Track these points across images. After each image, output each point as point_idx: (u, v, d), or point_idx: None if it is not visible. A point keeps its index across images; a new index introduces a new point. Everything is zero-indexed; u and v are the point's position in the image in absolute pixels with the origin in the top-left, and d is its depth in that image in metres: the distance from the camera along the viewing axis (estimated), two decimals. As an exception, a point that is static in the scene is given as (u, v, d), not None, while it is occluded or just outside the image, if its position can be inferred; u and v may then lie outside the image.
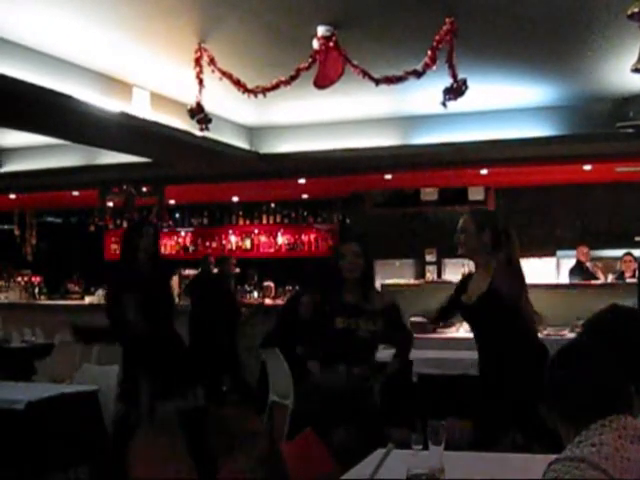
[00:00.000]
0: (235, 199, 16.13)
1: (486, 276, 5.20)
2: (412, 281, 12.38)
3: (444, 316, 6.04)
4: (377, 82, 7.09)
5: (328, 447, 4.07)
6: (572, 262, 12.00)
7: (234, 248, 16.85)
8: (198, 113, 7.69)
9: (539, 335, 5.85)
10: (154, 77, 8.49)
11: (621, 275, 11.38)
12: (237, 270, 13.19)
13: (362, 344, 5.41)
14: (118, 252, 17.43)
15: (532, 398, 4.67)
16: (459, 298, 5.47)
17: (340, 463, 3.95)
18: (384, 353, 6.06)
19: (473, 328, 5.41)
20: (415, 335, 9.76)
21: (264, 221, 16.71)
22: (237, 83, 7.38)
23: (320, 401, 5.39)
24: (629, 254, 11.57)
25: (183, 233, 17.54)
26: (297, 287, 12.78)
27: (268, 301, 13.62)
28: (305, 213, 16.35)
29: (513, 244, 5.21)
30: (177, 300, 13.21)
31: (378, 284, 12.36)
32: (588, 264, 11.81)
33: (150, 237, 7.04)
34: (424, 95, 8.54)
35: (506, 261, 5.15)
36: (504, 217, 13.08)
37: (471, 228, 5.27)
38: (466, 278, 5.60)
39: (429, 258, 13.50)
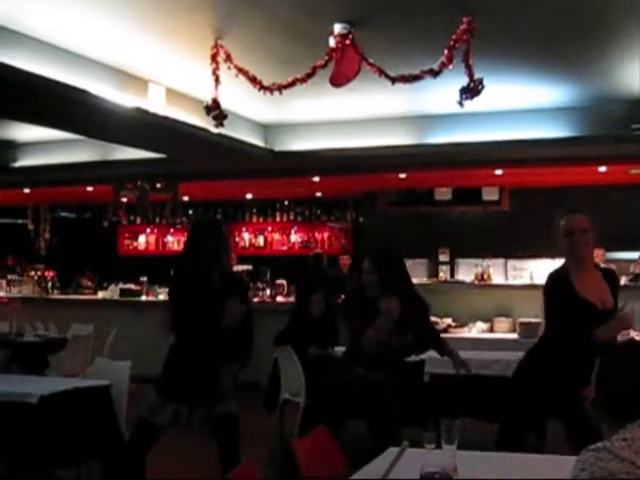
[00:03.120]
0: (249, 196, 16.13)
1: (598, 278, 5.13)
2: (425, 281, 12.35)
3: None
4: (393, 81, 7.08)
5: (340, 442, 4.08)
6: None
7: (247, 245, 16.87)
8: (214, 109, 7.69)
9: None
10: (170, 73, 8.50)
11: (635, 277, 11.33)
12: (240, 268, 13.27)
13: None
14: (132, 247, 17.67)
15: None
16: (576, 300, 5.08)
17: (352, 461, 3.96)
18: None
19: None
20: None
21: (277, 219, 16.72)
22: (253, 80, 7.38)
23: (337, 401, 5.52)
24: None
25: (196, 230, 17.54)
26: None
27: (280, 299, 13.62)
28: (319, 211, 16.34)
29: None
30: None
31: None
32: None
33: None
34: (440, 94, 8.53)
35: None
36: (517, 218, 13.19)
37: (591, 227, 5.14)
38: (564, 276, 5.15)
39: (442, 258, 13.44)
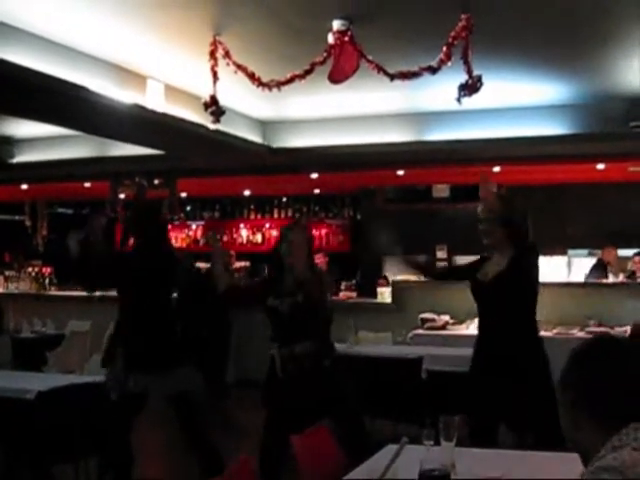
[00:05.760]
0: (247, 193, 16.14)
1: (504, 258, 5.32)
2: (422, 278, 12.33)
3: (449, 275, 6.32)
4: (392, 77, 7.07)
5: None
6: (583, 261, 11.92)
7: (245, 242, 16.87)
8: (212, 106, 7.68)
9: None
10: (168, 69, 8.49)
11: (632, 274, 11.34)
12: (238, 264, 13.30)
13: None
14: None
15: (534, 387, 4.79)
16: (472, 273, 5.66)
17: (350, 457, 3.96)
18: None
19: (483, 306, 5.50)
20: (425, 332, 9.84)
21: (275, 215, 16.72)
22: (252, 76, 7.37)
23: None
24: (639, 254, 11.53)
25: (194, 226, 17.54)
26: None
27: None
28: (316, 208, 16.35)
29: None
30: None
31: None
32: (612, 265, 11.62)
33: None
34: (438, 91, 8.52)
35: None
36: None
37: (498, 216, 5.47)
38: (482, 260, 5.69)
39: (440, 255, 13.46)
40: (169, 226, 7.10)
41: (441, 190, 13.99)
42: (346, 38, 6.75)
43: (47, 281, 14.83)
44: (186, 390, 5.88)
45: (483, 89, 6.88)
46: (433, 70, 6.84)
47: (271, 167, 12.19)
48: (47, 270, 15.24)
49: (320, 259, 13.01)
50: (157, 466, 7.17)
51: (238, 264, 13.75)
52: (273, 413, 5.56)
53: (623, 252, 12.34)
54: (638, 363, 2.20)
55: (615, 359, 2.20)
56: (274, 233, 16.65)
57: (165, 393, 5.85)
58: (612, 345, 2.27)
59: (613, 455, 2.00)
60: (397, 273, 12.44)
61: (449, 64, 6.69)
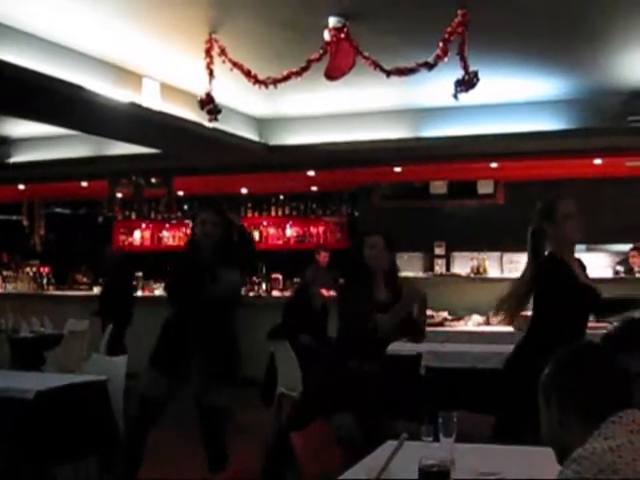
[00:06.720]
0: (244, 191, 16.10)
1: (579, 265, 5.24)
2: (421, 274, 12.37)
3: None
4: (388, 74, 7.06)
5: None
6: (581, 256, 11.90)
7: (242, 240, 16.83)
8: (208, 104, 7.68)
9: None
10: (164, 68, 8.48)
11: (630, 270, 11.35)
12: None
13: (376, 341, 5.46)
14: (127, 243, 17.60)
15: None
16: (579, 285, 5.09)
17: (348, 454, 3.96)
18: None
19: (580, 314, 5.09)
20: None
21: (273, 213, 16.67)
22: (248, 74, 7.36)
23: (327, 393, 5.42)
24: (635, 248, 11.54)
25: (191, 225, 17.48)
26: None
27: (276, 293, 13.66)
28: (314, 205, 16.30)
29: None
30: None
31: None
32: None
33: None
34: (435, 87, 8.52)
35: None
36: (512, 211, 13.18)
37: None
38: (563, 261, 5.16)
39: (438, 251, 13.43)
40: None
41: (438, 187, 13.95)
42: (342, 35, 6.75)
43: (45, 281, 14.84)
44: (221, 405, 5.98)
45: (479, 85, 6.88)
46: (429, 66, 6.84)
47: (268, 165, 12.17)
48: (45, 270, 15.25)
49: (322, 257, 13.02)
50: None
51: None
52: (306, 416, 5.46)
53: (620, 247, 12.33)
54: (619, 360, 2.26)
55: (599, 360, 2.29)
56: (271, 231, 16.63)
57: (204, 404, 5.92)
58: (594, 347, 2.35)
59: (584, 446, 2.04)
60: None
61: (445, 60, 6.69)
